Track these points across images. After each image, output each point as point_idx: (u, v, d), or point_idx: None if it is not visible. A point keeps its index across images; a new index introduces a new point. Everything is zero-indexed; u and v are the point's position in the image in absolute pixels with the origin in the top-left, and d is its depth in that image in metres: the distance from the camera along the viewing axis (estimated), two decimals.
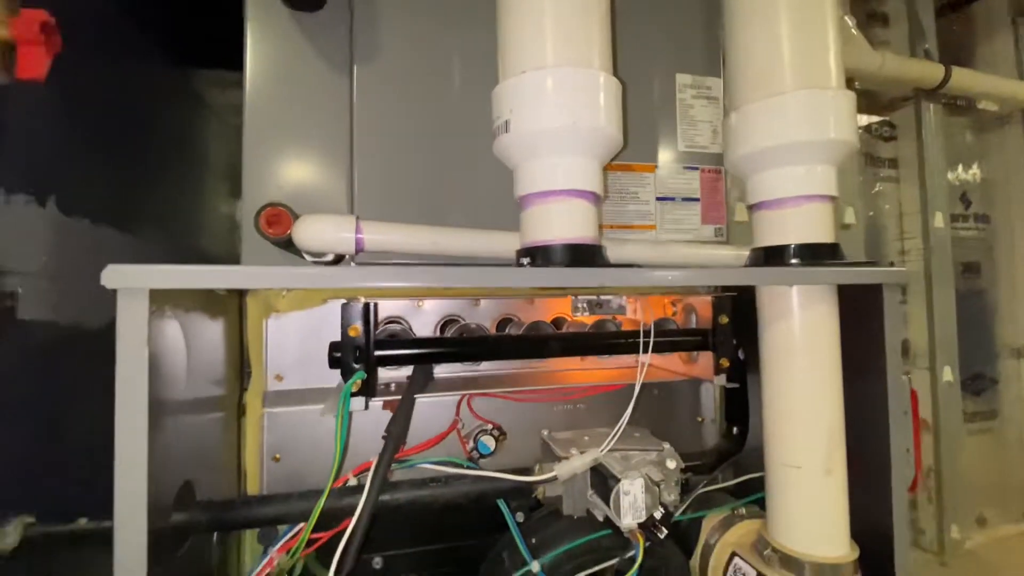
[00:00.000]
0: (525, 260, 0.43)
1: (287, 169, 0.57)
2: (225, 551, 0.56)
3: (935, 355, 1.27)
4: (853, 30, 1.08)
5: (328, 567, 0.43)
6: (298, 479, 0.59)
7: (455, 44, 0.61)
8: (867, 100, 1.33)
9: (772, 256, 0.51)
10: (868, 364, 0.51)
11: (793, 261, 0.48)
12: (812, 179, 0.49)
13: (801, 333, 0.49)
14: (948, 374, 1.28)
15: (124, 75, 0.71)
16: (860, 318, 0.52)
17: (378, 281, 0.35)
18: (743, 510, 0.57)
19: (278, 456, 0.59)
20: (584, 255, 0.43)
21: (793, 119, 0.48)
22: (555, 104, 0.41)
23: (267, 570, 0.47)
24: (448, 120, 0.60)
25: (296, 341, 0.59)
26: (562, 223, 0.43)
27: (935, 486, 1.24)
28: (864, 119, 1.34)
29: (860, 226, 1.25)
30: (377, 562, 0.60)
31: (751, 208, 0.54)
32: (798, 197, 0.50)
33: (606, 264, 0.44)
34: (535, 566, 0.47)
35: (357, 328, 0.44)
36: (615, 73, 0.46)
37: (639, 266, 0.57)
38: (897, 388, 0.51)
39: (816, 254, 0.49)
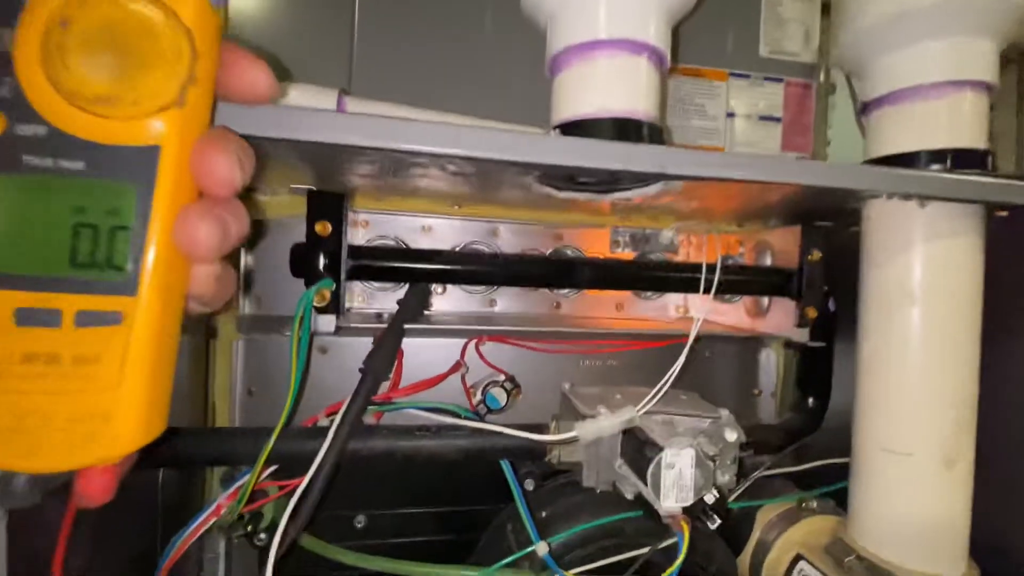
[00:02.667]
0: (555, 132, 0.31)
1: (273, 37, 0.46)
2: (185, 491, 0.48)
3: None
4: None
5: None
6: (276, 417, 0.51)
7: None
8: None
9: (892, 167, 0.37)
10: (1020, 324, 0.37)
11: (934, 167, 0.34)
12: (963, 57, 0.35)
13: (928, 274, 0.36)
14: None
15: None
16: (1012, 262, 0.38)
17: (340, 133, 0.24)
18: (813, 503, 0.45)
19: (253, 389, 0.50)
20: (638, 133, 0.30)
21: None
22: None
23: (212, 519, 0.39)
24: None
25: (282, 256, 0.50)
26: (610, 87, 0.30)
27: None
28: None
29: None
30: (360, 520, 0.51)
31: (865, 109, 0.40)
32: (940, 84, 0.36)
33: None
34: (541, 548, 0.37)
35: (327, 225, 0.34)
36: None
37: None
38: None
39: (961, 162, 0.35)
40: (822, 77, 0.57)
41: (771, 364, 0.60)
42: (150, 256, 0.17)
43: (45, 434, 0.17)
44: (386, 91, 0.45)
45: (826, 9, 0.57)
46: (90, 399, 0.17)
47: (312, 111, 0.24)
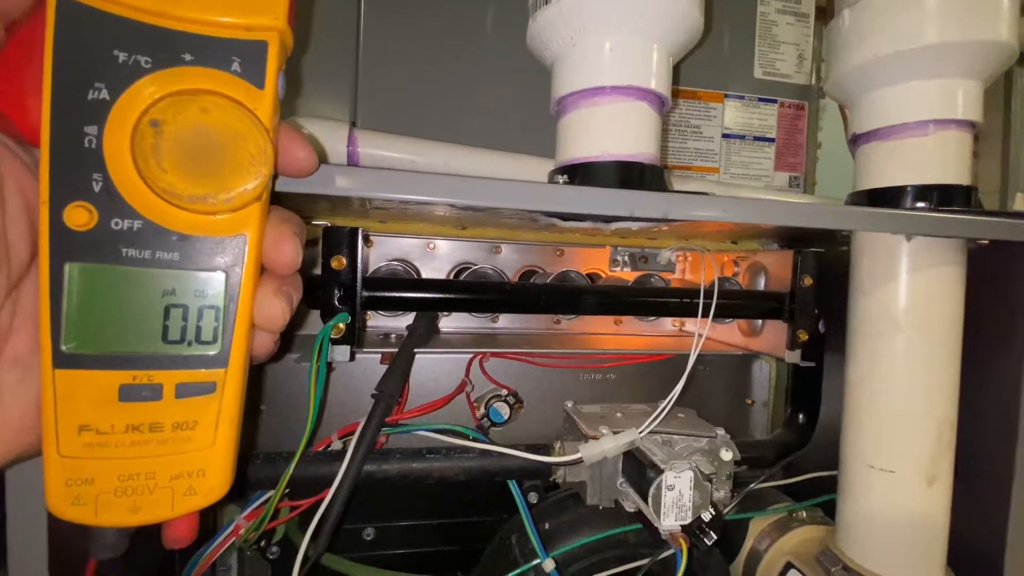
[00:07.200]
0: (561, 178, 0.33)
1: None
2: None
3: None
4: None
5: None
6: (288, 435, 0.52)
7: None
8: None
9: (880, 200, 0.39)
10: (997, 349, 0.39)
11: (920, 205, 0.36)
12: (951, 97, 0.37)
13: (913, 302, 0.38)
14: None
15: None
16: (990, 289, 0.40)
17: (358, 187, 0.25)
18: (803, 514, 0.47)
19: (262, 407, 0.52)
20: (640, 177, 0.32)
21: (937, 10, 0.35)
22: None
23: (232, 539, 0.40)
24: (473, 26, 0.49)
25: None
26: (613, 133, 0.32)
27: None
28: None
29: None
30: (368, 533, 0.53)
31: (854, 141, 0.42)
32: (928, 122, 0.38)
33: (670, 190, 0.33)
34: (548, 564, 0.39)
35: (342, 259, 0.35)
36: None
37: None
38: None
39: (945, 198, 0.37)
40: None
41: (764, 375, 0.62)
42: (238, 331, 0.19)
43: (148, 492, 0.18)
44: (390, 116, 0.47)
45: (819, 31, 0.58)
46: (189, 459, 0.19)
47: (349, 169, 0.25)
